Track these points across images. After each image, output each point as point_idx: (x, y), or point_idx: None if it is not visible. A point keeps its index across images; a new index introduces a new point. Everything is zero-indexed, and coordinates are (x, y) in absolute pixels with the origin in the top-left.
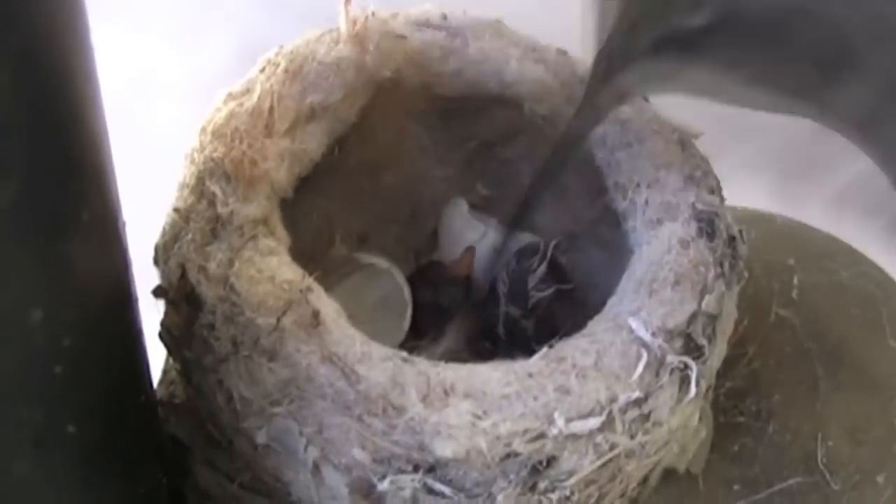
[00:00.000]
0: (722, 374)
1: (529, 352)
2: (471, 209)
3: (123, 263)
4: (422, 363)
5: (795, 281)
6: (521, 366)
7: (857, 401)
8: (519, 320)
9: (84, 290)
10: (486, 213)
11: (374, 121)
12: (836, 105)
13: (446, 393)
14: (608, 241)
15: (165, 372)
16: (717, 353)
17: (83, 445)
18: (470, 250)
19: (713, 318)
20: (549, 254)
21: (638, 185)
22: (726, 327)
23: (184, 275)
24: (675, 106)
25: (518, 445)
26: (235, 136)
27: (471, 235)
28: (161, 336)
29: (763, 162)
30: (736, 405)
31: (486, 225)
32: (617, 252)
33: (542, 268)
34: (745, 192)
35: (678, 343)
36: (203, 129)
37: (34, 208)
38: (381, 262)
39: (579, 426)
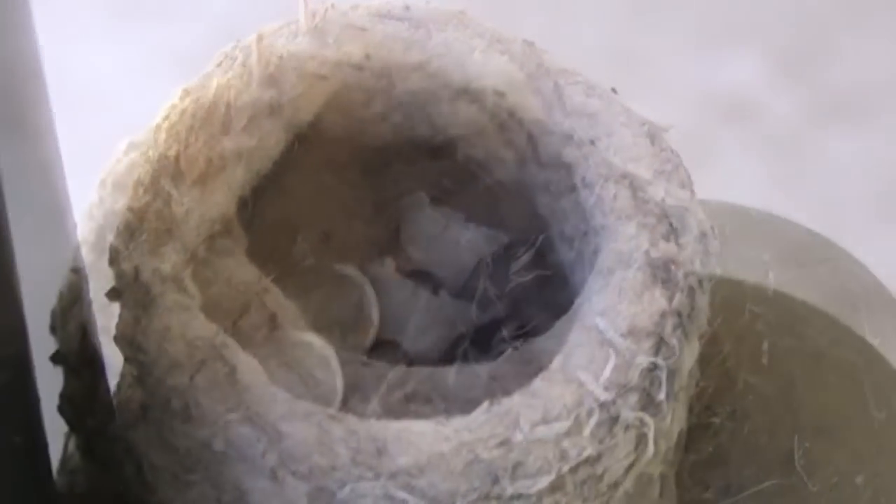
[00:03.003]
0: (685, 445)
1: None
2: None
3: (20, 324)
4: (351, 420)
5: (765, 346)
6: (460, 421)
7: (838, 476)
8: (494, 301)
9: None
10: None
11: (291, 175)
12: None
13: (379, 452)
14: (556, 303)
15: (64, 462)
16: (677, 413)
17: None
18: (366, 321)
19: (672, 373)
20: (537, 244)
21: (585, 233)
22: (687, 385)
23: (85, 336)
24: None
25: None
26: (139, 187)
27: (399, 295)
28: (60, 408)
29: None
30: (702, 480)
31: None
32: (565, 313)
33: (527, 256)
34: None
35: (633, 398)
36: (103, 182)
37: None
38: (317, 344)
39: (526, 486)
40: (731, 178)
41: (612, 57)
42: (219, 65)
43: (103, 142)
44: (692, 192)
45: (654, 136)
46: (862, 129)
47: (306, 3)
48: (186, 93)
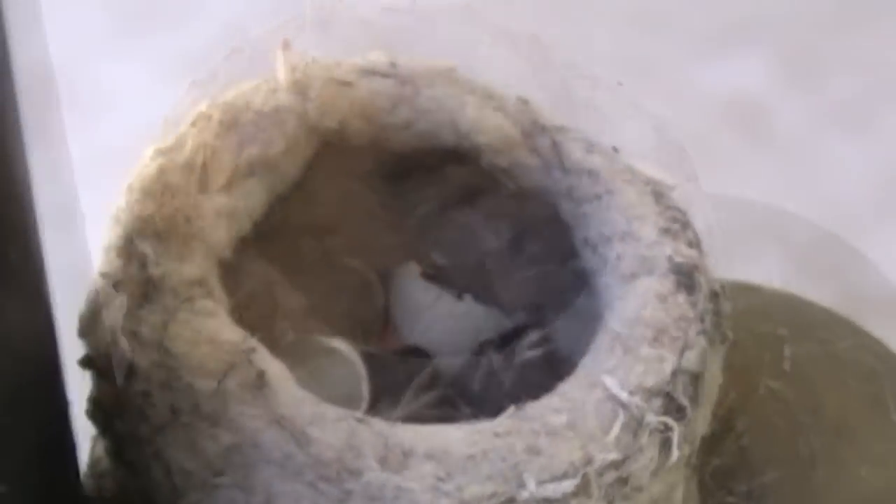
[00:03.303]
0: (708, 450)
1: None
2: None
3: (48, 321)
4: (379, 423)
5: (787, 352)
6: (486, 425)
7: (859, 479)
8: (505, 292)
9: (13, 335)
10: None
11: (317, 181)
12: None
13: (406, 455)
14: (578, 310)
15: (91, 465)
16: (701, 418)
17: None
18: (390, 326)
19: (696, 377)
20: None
21: (609, 238)
22: (711, 390)
23: (114, 341)
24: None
25: None
26: (167, 192)
27: (424, 300)
28: (89, 412)
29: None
30: (724, 485)
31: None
32: (589, 321)
33: (536, 247)
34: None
35: (658, 403)
36: (130, 187)
37: None
38: (344, 349)
39: (552, 489)
40: (737, 180)
41: (620, 61)
42: (227, 58)
43: (117, 147)
44: (701, 250)
45: (659, 194)
46: (869, 133)
47: (286, 58)
48: (159, 152)
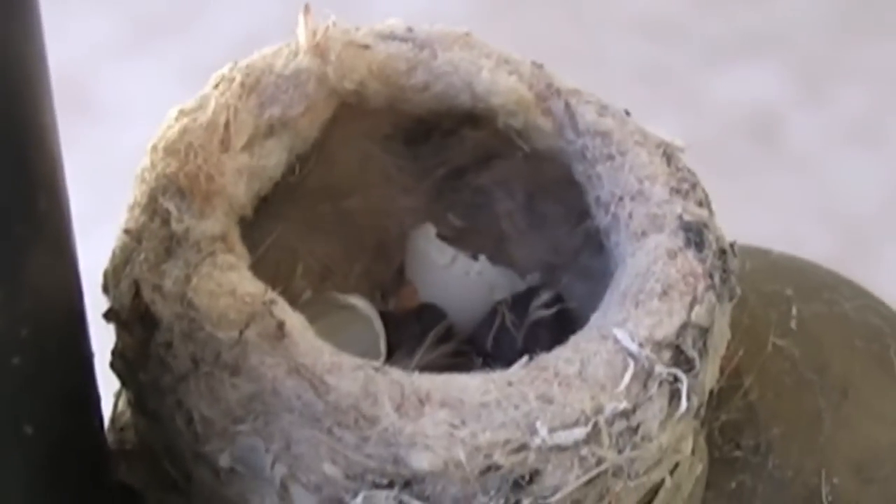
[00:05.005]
0: (716, 406)
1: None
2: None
3: (74, 271)
4: (395, 372)
5: (794, 311)
6: (500, 374)
7: (864, 436)
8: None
9: (41, 280)
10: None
11: (336, 143)
12: None
13: (421, 402)
14: (590, 270)
15: (113, 420)
16: (709, 371)
17: (41, 450)
18: (409, 285)
19: (704, 331)
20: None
21: (621, 198)
22: (718, 345)
23: (137, 294)
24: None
25: (499, 457)
26: (189, 151)
27: (440, 260)
28: (112, 364)
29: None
30: (732, 438)
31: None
32: (600, 281)
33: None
34: None
35: (667, 355)
36: (154, 147)
37: None
38: (361, 306)
39: (563, 437)
40: (749, 190)
41: (635, 70)
42: (215, 86)
43: (131, 153)
44: (710, 210)
45: (670, 155)
46: (882, 145)
47: (307, 22)
48: (182, 113)
